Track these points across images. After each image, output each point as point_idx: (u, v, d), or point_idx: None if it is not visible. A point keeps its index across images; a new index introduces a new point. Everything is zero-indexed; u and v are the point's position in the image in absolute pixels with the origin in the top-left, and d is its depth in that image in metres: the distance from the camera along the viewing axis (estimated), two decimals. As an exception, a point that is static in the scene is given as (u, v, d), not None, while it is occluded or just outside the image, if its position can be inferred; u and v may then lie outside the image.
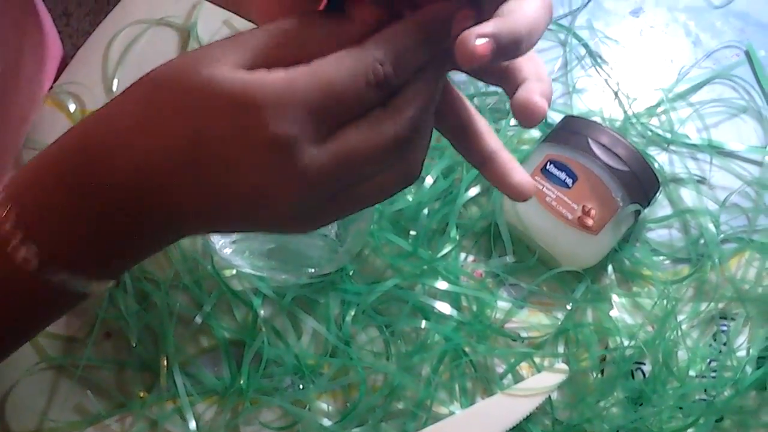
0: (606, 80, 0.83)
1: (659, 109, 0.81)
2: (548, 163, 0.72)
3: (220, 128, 0.42)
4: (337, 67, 0.42)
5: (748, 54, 0.84)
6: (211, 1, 0.63)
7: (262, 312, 0.72)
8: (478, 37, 0.42)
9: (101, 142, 0.44)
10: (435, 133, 0.50)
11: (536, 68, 0.49)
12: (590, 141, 0.72)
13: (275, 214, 0.45)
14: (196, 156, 0.42)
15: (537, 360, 0.72)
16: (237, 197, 0.44)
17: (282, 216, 0.45)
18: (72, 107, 0.80)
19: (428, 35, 0.45)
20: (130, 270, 0.73)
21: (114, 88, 0.81)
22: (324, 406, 0.71)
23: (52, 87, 0.81)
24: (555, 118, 0.79)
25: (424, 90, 0.46)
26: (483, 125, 0.53)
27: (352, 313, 0.72)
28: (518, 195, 0.52)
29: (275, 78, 0.41)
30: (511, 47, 0.43)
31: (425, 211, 0.75)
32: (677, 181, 0.79)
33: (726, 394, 0.70)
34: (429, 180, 0.75)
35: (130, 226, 0.45)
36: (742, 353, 0.72)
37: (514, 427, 0.69)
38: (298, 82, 0.41)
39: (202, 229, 0.48)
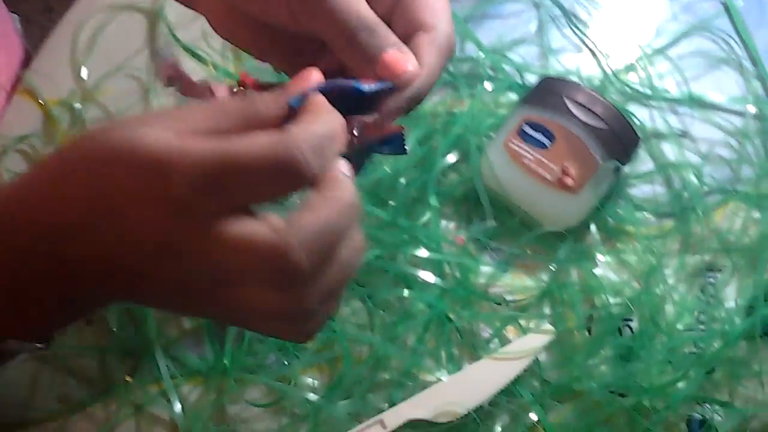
0: (582, 39, 0.82)
1: (638, 65, 0.80)
2: (524, 125, 0.71)
3: (122, 182, 0.42)
4: (249, 143, 0.42)
5: (726, 5, 0.83)
6: None
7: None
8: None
9: (13, 202, 0.45)
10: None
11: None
12: (567, 100, 0.71)
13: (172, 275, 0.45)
14: (95, 207, 0.43)
15: (523, 323, 0.71)
16: (133, 253, 0.44)
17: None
18: (42, 95, 0.80)
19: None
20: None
21: (84, 75, 0.80)
22: (309, 380, 0.70)
23: (19, 77, 0.80)
24: (532, 79, 0.78)
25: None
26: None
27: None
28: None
29: (186, 142, 0.42)
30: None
31: (402, 180, 0.74)
32: (658, 136, 0.78)
33: (716, 345, 0.69)
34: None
35: (37, 282, 0.46)
36: (730, 304, 0.71)
37: (502, 390, 0.68)
38: (206, 148, 0.42)
39: (117, 290, 0.47)
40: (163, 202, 0.42)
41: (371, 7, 0.51)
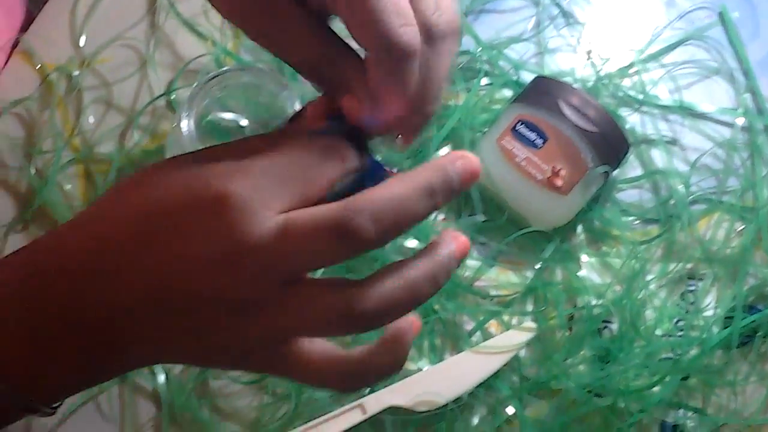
0: (578, 41, 0.83)
1: (631, 70, 0.81)
2: (518, 124, 0.72)
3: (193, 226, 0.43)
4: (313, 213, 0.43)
5: (721, 15, 0.84)
6: None
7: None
8: None
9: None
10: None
11: None
12: (561, 102, 0.72)
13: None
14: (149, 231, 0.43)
15: (506, 318, 0.72)
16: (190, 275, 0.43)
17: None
18: (39, 60, 0.79)
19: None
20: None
21: (81, 43, 0.80)
22: (293, 362, 0.71)
23: (17, 39, 0.80)
24: (526, 78, 0.79)
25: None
26: None
27: (321, 271, 0.72)
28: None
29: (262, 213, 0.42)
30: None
31: (395, 170, 0.74)
32: (648, 142, 0.79)
33: (692, 353, 0.71)
34: (400, 138, 0.75)
35: (63, 337, 0.44)
36: (709, 313, 0.73)
37: (481, 384, 0.69)
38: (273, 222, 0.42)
39: (152, 340, 0.46)
40: (233, 272, 0.42)
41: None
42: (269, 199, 0.43)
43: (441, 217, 0.75)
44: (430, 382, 0.69)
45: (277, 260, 0.43)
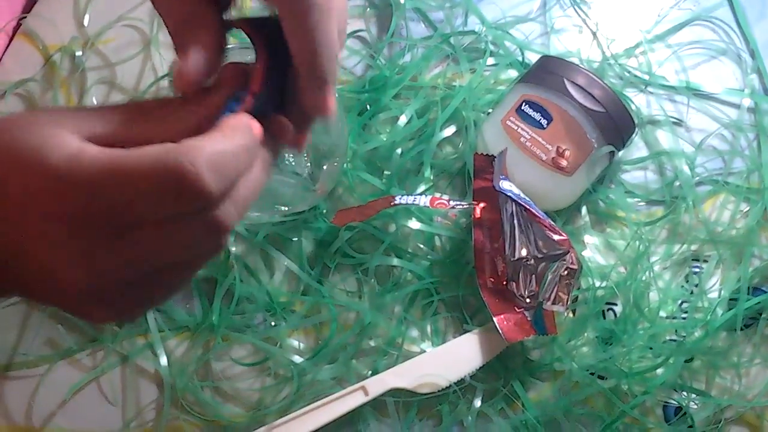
0: (585, 20, 0.82)
1: (638, 51, 0.80)
2: (523, 104, 0.71)
3: (20, 186, 0.40)
4: (141, 153, 0.39)
5: (728, -4, 0.83)
6: None
7: (234, 249, 0.72)
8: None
9: None
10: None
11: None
12: (566, 82, 0.71)
13: (62, 289, 0.41)
14: None
15: (509, 299, 0.72)
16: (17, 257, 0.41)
17: (72, 294, 0.42)
18: (42, 40, 0.79)
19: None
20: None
21: (85, 23, 0.79)
22: (295, 343, 0.71)
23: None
24: (532, 58, 0.79)
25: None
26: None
27: (325, 251, 0.72)
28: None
29: (89, 156, 0.39)
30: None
31: (399, 150, 0.74)
32: (654, 122, 0.78)
33: (696, 334, 0.70)
34: (403, 119, 0.75)
35: None
36: (713, 295, 0.72)
37: (484, 366, 0.69)
38: (97, 158, 0.39)
39: None
40: (58, 216, 0.40)
41: None
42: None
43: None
44: (433, 364, 0.69)
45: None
